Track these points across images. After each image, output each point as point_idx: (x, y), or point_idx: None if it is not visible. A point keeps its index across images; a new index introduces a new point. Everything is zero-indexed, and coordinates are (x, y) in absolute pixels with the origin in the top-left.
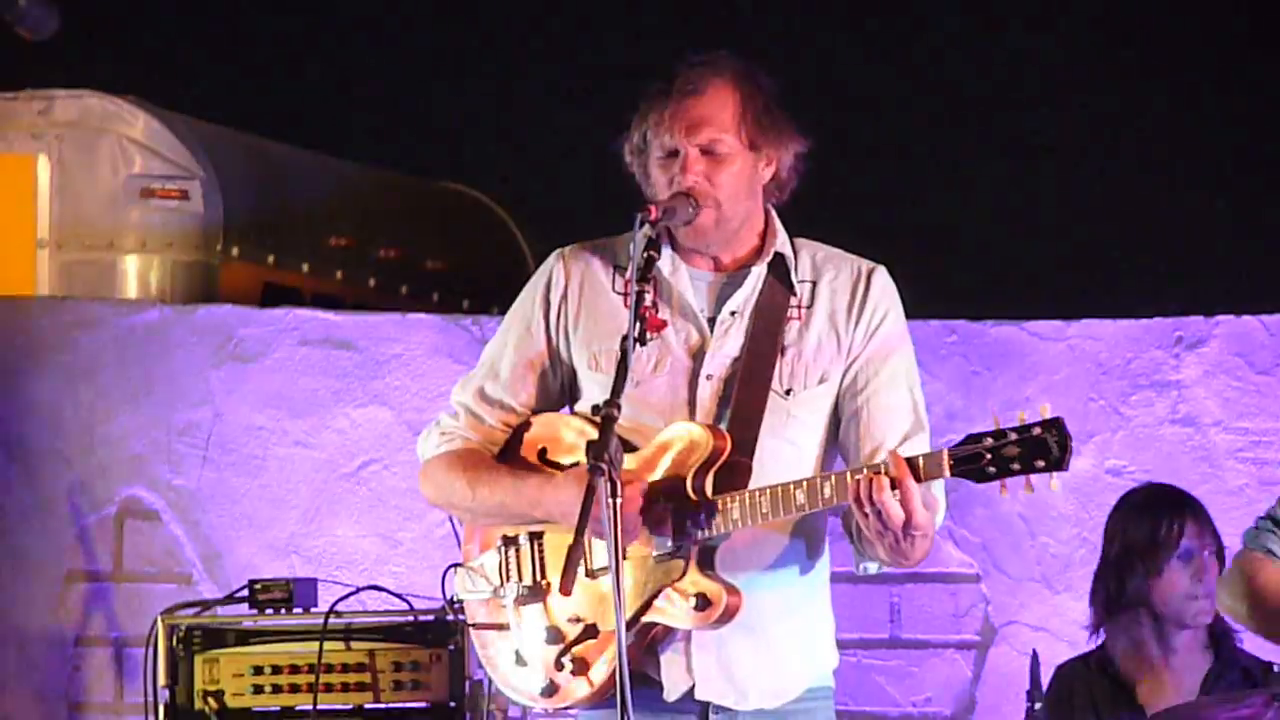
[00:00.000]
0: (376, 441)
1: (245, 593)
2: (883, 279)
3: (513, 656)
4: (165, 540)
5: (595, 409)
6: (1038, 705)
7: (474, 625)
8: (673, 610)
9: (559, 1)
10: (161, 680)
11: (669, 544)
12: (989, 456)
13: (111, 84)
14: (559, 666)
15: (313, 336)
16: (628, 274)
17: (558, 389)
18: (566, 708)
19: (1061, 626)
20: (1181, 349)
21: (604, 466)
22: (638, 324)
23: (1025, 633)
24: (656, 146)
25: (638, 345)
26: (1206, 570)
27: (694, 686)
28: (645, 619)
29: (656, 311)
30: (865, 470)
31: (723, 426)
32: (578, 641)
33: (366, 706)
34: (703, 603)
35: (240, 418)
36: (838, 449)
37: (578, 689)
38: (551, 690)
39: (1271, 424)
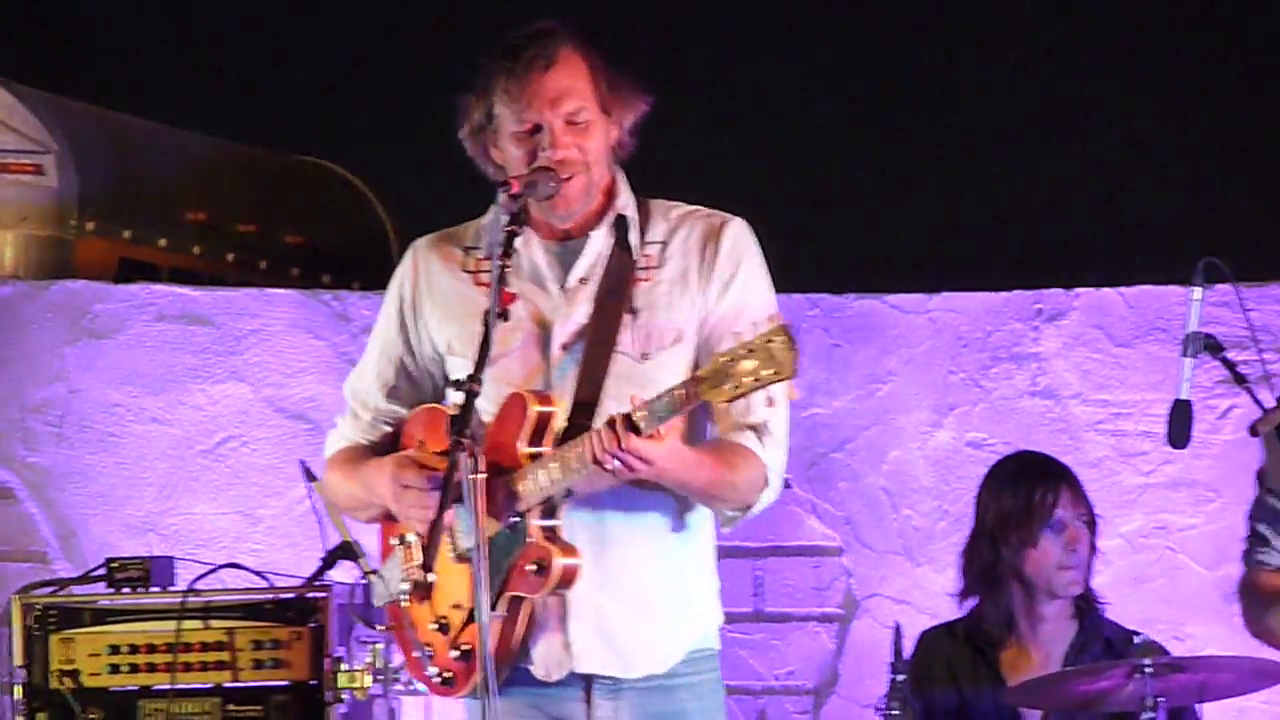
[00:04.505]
0: (235, 418)
1: (102, 571)
2: (734, 231)
3: (419, 653)
4: (20, 518)
5: (457, 384)
6: (900, 678)
7: (389, 627)
8: (524, 581)
9: None
10: (17, 660)
11: (511, 516)
12: (731, 375)
13: None
14: (452, 656)
15: (169, 312)
16: (481, 252)
17: (429, 383)
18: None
19: (923, 599)
20: (1041, 321)
21: (465, 442)
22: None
23: (888, 605)
24: (512, 122)
25: (500, 320)
26: (1079, 540)
27: (574, 664)
28: (508, 594)
29: (507, 285)
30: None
31: (570, 394)
32: (463, 629)
33: (225, 685)
34: (540, 568)
35: (96, 394)
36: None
37: (472, 676)
38: (451, 680)
39: (1130, 396)
